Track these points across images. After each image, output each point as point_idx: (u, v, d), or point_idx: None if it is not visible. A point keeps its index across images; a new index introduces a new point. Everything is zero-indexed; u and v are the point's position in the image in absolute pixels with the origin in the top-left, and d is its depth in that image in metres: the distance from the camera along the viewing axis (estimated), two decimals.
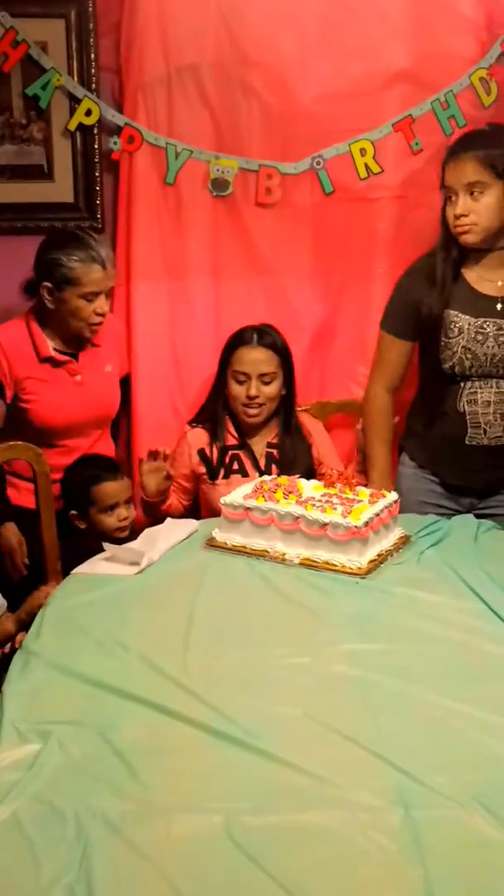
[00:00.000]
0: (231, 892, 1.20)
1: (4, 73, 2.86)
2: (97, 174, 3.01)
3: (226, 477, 2.82)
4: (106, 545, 2.31)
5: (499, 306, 2.54)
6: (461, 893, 1.20)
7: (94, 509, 2.66)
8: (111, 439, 2.94)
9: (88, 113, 2.90)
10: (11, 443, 2.55)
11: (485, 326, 2.53)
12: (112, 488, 2.65)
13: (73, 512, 2.69)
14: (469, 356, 2.53)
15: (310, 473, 2.75)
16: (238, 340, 2.83)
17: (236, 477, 2.80)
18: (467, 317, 2.54)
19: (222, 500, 2.35)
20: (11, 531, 2.69)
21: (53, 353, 2.67)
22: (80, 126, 2.93)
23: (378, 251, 3.06)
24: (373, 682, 1.70)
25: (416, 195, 2.87)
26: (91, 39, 2.87)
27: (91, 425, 2.80)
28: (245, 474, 2.81)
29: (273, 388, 2.80)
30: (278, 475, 2.61)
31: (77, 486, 2.68)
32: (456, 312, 2.55)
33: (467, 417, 2.59)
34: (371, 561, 2.20)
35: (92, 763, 1.47)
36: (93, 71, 2.90)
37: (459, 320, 2.54)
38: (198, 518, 2.66)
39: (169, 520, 2.63)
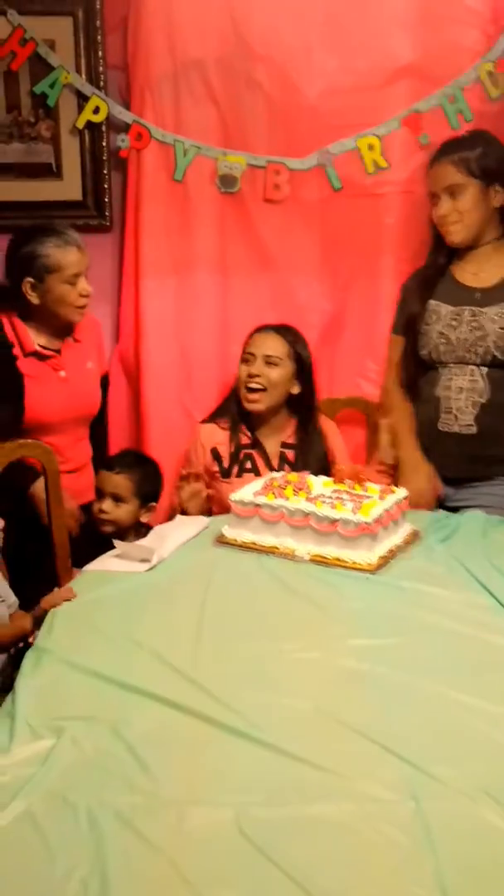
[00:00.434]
0: (241, 884, 1.21)
1: (12, 72, 2.87)
2: (105, 172, 3.02)
3: (239, 475, 2.82)
4: (116, 542, 2.32)
5: (477, 295, 2.70)
6: (471, 885, 1.21)
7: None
8: (89, 442, 2.91)
9: (96, 111, 2.91)
10: (21, 441, 2.56)
11: (461, 313, 2.69)
12: (103, 476, 2.67)
13: None
14: (443, 341, 2.69)
15: (323, 474, 2.75)
16: (255, 330, 2.87)
17: (249, 476, 2.80)
18: (447, 305, 2.72)
19: (232, 496, 2.36)
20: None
21: (38, 348, 2.67)
22: (89, 124, 2.93)
23: (386, 247, 3.05)
24: (382, 676, 1.70)
25: (423, 190, 2.86)
26: (98, 37, 2.87)
27: (75, 423, 2.79)
28: (258, 473, 2.81)
29: (276, 374, 2.80)
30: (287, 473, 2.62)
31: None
32: (437, 302, 2.74)
33: (441, 403, 2.72)
34: (381, 557, 2.20)
35: (104, 758, 1.48)
36: (100, 68, 2.90)
37: (440, 308, 2.72)
38: (209, 515, 2.67)
39: (179, 517, 2.64)
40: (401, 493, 2.37)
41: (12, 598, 2.39)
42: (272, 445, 2.87)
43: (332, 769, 1.43)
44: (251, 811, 1.33)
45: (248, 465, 2.84)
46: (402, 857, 1.25)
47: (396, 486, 2.51)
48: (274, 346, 2.81)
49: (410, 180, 2.97)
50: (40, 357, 2.68)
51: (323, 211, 3.03)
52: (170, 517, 2.73)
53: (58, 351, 2.73)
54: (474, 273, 2.74)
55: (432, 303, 2.75)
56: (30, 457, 2.58)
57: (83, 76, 2.89)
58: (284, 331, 2.86)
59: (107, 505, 2.64)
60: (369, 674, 1.72)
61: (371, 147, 2.94)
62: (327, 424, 2.99)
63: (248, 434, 2.87)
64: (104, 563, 2.28)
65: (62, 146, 2.99)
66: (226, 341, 3.00)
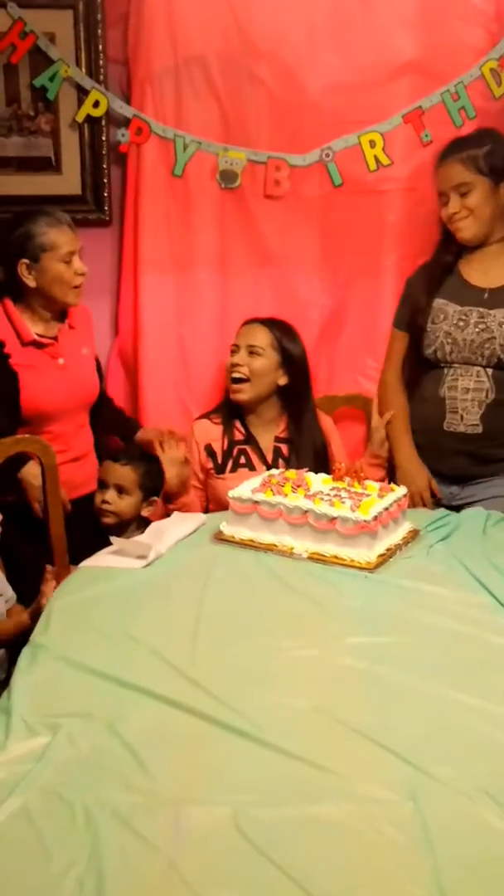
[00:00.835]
0: (239, 884, 1.20)
1: (12, 65, 2.86)
2: (105, 166, 3.01)
3: (233, 471, 2.81)
4: (113, 538, 2.31)
5: (485, 295, 2.69)
6: (471, 885, 1.20)
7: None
8: (90, 429, 2.92)
9: (96, 104, 2.89)
10: (19, 436, 2.55)
11: (468, 314, 2.69)
12: (108, 467, 2.65)
13: None
14: (450, 341, 2.68)
15: (319, 470, 2.74)
16: (244, 323, 2.87)
17: (243, 471, 2.79)
18: (454, 305, 2.71)
19: (230, 493, 2.35)
20: (38, 470, 2.64)
21: (36, 337, 2.67)
22: (88, 118, 2.92)
23: (387, 244, 3.05)
24: (381, 675, 1.70)
25: (425, 187, 2.85)
26: (99, 30, 2.86)
27: (76, 409, 2.79)
28: (252, 468, 2.80)
29: (259, 364, 2.79)
30: (286, 470, 2.61)
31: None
32: (445, 301, 2.73)
33: (447, 403, 2.72)
34: (380, 555, 2.19)
35: (100, 755, 1.47)
36: (101, 62, 2.89)
37: (447, 307, 2.71)
38: (206, 512, 2.66)
39: (176, 513, 2.64)
40: (400, 491, 2.36)
41: (10, 593, 2.38)
42: (266, 440, 2.86)
43: (330, 768, 1.42)
44: (249, 810, 1.32)
45: (243, 460, 2.83)
46: (400, 857, 1.25)
47: (390, 480, 2.52)
48: (257, 336, 2.81)
49: (412, 177, 2.96)
50: (38, 346, 2.68)
51: (324, 207, 3.02)
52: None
53: (55, 338, 2.72)
54: (483, 272, 2.73)
55: (439, 301, 2.74)
56: (27, 451, 2.57)
57: (83, 70, 2.88)
58: (271, 323, 2.85)
59: (110, 496, 2.62)
60: (368, 672, 1.71)
61: (373, 144, 2.93)
62: (324, 420, 2.98)
63: (242, 430, 2.86)
64: (101, 560, 2.26)
65: (62, 140, 2.97)
66: (225, 337, 2.98)
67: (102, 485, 2.64)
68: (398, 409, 2.89)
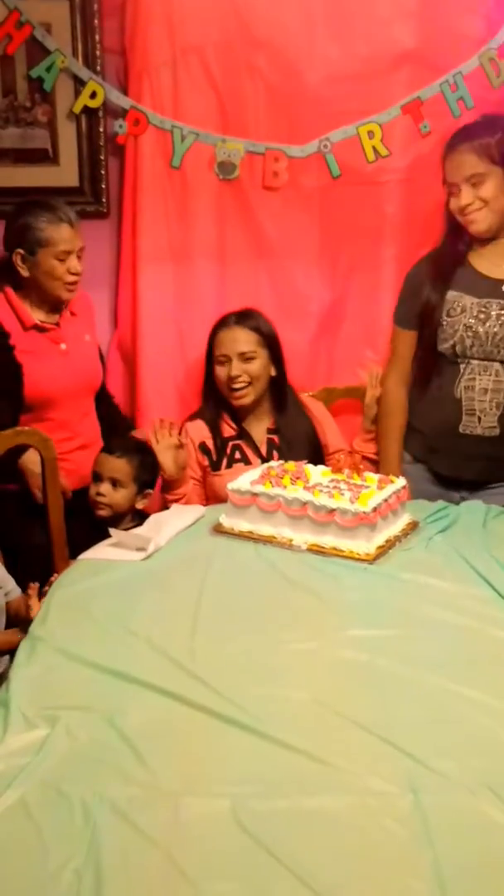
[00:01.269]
0: (238, 877, 1.20)
1: (8, 56, 2.84)
2: (102, 158, 2.99)
3: (228, 467, 2.81)
4: (112, 531, 2.31)
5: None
6: (470, 878, 1.20)
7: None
8: (97, 419, 2.92)
9: (93, 95, 2.88)
10: (19, 428, 2.55)
11: (488, 306, 2.57)
12: (103, 459, 2.63)
13: None
14: (470, 334, 2.57)
15: (314, 456, 2.74)
16: (218, 325, 2.82)
17: (239, 466, 2.79)
18: (471, 297, 2.59)
19: (229, 485, 2.34)
20: (37, 457, 2.64)
21: (37, 321, 2.69)
22: (85, 109, 2.91)
23: (386, 235, 3.03)
24: (380, 668, 1.69)
25: (424, 178, 2.83)
26: (95, 20, 2.85)
27: (79, 395, 2.79)
28: (247, 462, 2.80)
29: (255, 367, 2.77)
30: (281, 460, 2.61)
31: None
32: (459, 293, 2.61)
33: (463, 404, 2.61)
34: (379, 547, 2.19)
35: (99, 748, 1.47)
36: (97, 53, 2.88)
37: (462, 300, 2.59)
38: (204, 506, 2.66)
39: (175, 505, 2.64)
40: (399, 482, 2.35)
41: (11, 585, 2.37)
42: (258, 433, 2.86)
43: (330, 761, 1.42)
44: (248, 803, 1.32)
45: (237, 455, 2.82)
46: (400, 850, 1.24)
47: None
48: (244, 340, 2.77)
49: (411, 168, 2.95)
50: (40, 330, 2.69)
51: (322, 199, 3.01)
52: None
53: (56, 324, 2.74)
54: (496, 264, 2.61)
55: (452, 293, 2.62)
56: (28, 444, 2.57)
57: (80, 60, 2.87)
58: (244, 319, 2.81)
59: (104, 488, 2.61)
60: (368, 665, 1.70)
61: (371, 134, 2.91)
62: (314, 405, 2.97)
63: (234, 425, 2.85)
64: (100, 552, 2.26)
65: (59, 131, 2.96)
66: None
67: (97, 477, 2.63)
68: (398, 421, 2.80)
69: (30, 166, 2.98)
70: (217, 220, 3.00)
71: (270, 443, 2.84)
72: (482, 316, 2.56)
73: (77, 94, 2.90)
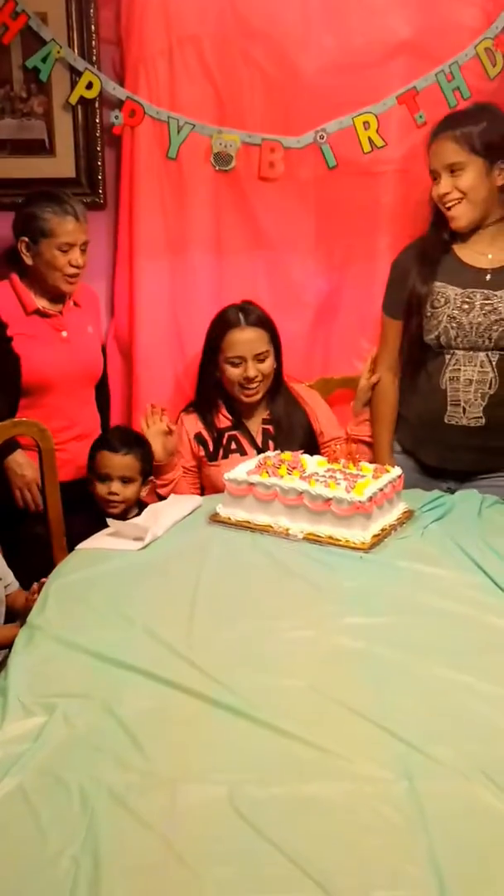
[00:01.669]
0: (235, 863, 1.20)
1: (4, 46, 2.83)
2: (99, 149, 2.98)
3: (225, 457, 2.82)
4: (110, 521, 2.31)
5: (487, 277, 2.58)
6: (465, 864, 1.20)
7: (92, 472, 2.68)
8: (97, 410, 2.94)
9: (89, 86, 2.87)
10: (17, 419, 2.56)
11: (472, 296, 2.57)
12: (109, 459, 2.64)
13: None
14: (455, 325, 2.56)
15: (309, 445, 2.76)
16: (225, 324, 2.80)
17: (235, 456, 2.80)
18: (454, 287, 2.59)
19: (226, 475, 2.35)
20: (23, 459, 2.68)
21: (40, 307, 2.72)
22: (82, 99, 2.90)
23: (382, 225, 3.04)
24: (376, 655, 1.70)
25: (420, 169, 2.82)
26: (91, 10, 2.84)
27: (78, 382, 2.81)
28: (243, 453, 2.81)
29: (268, 365, 2.79)
30: (277, 450, 2.61)
31: (91, 451, 2.71)
32: (443, 284, 2.61)
33: (448, 395, 2.61)
34: (375, 536, 2.20)
35: (97, 735, 1.47)
36: (93, 43, 2.87)
37: (447, 290, 2.59)
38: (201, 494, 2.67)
39: (173, 495, 2.65)
40: (395, 472, 2.36)
41: (10, 578, 2.38)
42: (254, 424, 2.87)
43: (326, 748, 1.42)
44: (245, 790, 1.33)
45: (234, 445, 2.83)
46: (396, 836, 1.25)
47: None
48: (259, 341, 2.77)
49: (407, 159, 2.94)
50: (42, 315, 2.72)
51: (318, 189, 3.01)
52: None
53: (60, 313, 2.77)
54: (481, 253, 2.60)
55: (437, 284, 2.61)
56: (25, 435, 2.58)
57: (75, 51, 2.86)
58: (250, 316, 2.80)
59: (116, 487, 2.62)
60: (364, 652, 1.71)
61: (367, 125, 2.91)
62: (308, 393, 2.98)
63: (229, 416, 2.85)
64: (98, 542, 2.27)
65: (55, 122, 2.95)
66: None
67: (106, 477, 2.63)
68: (389, 409, 2.82)
69: (26, 157, 2.98)
70: (213, 211, 3.00)
71: (266, 433, 2.85)
72: (466, 306, 2.56)
73: (73, 84, 2.89)
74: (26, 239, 2.66)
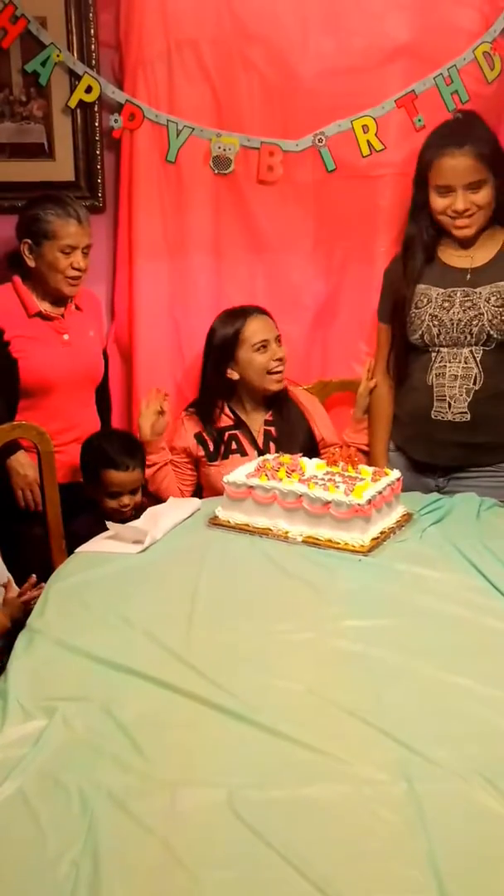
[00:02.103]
0: (235, 866, 1.21)
1: (3, 50, 2.83)
2: (98, 152, 2.98)
3: (225, 457, 2.82)
4: (109, 524, 2.32)
5: (468, 276, 2.62)
6: (464, 866, 1.21)
7: (100, 489, 2.68)
8: (97, 413, 2.94)
9: (89, 90, 2.88)
10: (16, 422, 2.57)
11: (452, 295, 2.62)
12: (120, 478, 2.66)
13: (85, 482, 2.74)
14: (436, 323, 2.61)
15: (309, 449, 2.76)
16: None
17: (235, 457, 2.81)
18: (437, 288, 2.64)
19: (225, 478, 2.36)
20: (25, 459, 2.69)
21: (42, 309, 2.73)
22: (81, 103, 2.90)
23: (380, 229, 3.03)
24: (375, 658, 1.70)
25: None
26: (90, 14, 2.84)
27: (79, 385, 2.82)
28: (244, 454, 2.81)
29: (284, 348, 2.84)
30: (277, 453, 2.62)
31: (91, 464, 2.71)
32: (427, 286, 2.66)
33: (434, 391, 2.66)
34: (373, 538, 2.20)
35: (96, 738, 1.48)
36: (93, 47, 2.87)
37: (430, 291, 2.65)
38: (200, 499, 2.67)
39: (172, 498, 2.65)
40: (394, 475, 2.36)
41: (5, 576, 2.38)
42: (255, 424, 2.87)
43: (325, 751, 1.43)
44: (244, 792, 1.33)
45: (234, 445, 2.84)
46: (394, 839, 1.25)
47: None
48: (272, 325, 2.84)
49: (405, 162, 2.92)
50: (44, 318, 2.73)
51: (317, 193, 3.01)
52: None
53: (61, 316, 2.78)
54: (464, 257, 2.65)
55: (421, 286, 2.66)
56: (24, 438, 2.58)
57: (75, 55, 2.86)
58: (255, 309, 2.87)
59: (127, 499, 2.67)
60: (363, 655, 1.72)
61: (366, 129, 2.92)
62: (307, 398, 2.99)
63: (231, 415, 2.86)
64: (97, 545, 2.27)
65: (54, 126, 2.95)
66: None
67: (116, 494, 2.65)
68: (385, 409, 2.86)
69: (26, 161, 2.97)
70: (212, 214, 3.00)
71: (267, 434, 2.85)
72: (446, 305, 2.61)
73: (72, 88, 2.89)
74: (29, 241, 2.67)
